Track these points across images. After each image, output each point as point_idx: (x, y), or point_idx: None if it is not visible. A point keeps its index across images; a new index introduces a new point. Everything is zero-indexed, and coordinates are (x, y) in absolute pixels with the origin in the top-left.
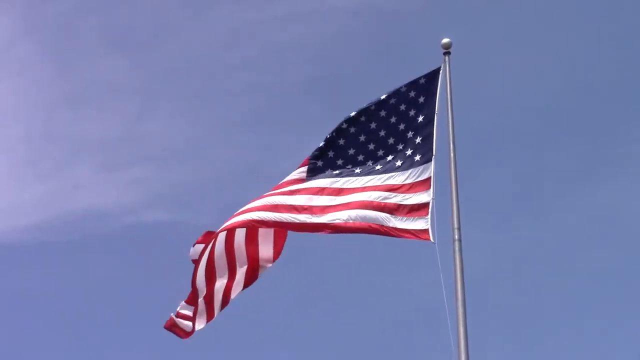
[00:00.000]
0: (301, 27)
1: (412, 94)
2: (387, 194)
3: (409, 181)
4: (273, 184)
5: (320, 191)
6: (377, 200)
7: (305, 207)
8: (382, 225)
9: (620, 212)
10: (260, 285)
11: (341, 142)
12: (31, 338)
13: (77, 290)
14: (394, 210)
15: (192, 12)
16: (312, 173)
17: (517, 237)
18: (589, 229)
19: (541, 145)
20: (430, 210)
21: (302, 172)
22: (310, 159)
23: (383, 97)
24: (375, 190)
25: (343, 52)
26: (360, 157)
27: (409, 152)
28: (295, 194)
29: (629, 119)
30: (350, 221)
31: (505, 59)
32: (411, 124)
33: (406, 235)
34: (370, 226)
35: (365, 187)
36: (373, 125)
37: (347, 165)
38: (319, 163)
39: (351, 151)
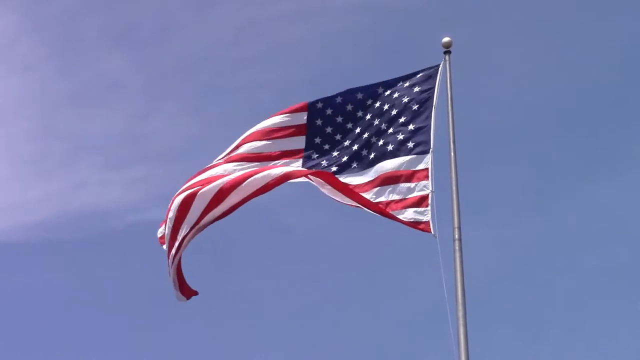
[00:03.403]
0: (306, 25)
1: (407, 84)
2: (385, 187)
3: (403, 169)
4: None
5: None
6: (377, 199)
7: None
8: (386, 209)
9: (621, 211)
10: (260, 283)
11: (338, 136)
12: (33, 336)
13: (80, 288)
14: (394, 203)
15: (196, 9)
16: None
17: (519, 235)
18: (590, 228)
19: (543, 143)
20: (430, 202)
21: (297, 164)
22: (304, 150)
23: (379, 90)
24: (373, 187)
25: (347, 49)
26: (355, 147)
27: (400, 137)
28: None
29: (631, 118)
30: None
31: (507, 57)
32: (404, 110)
33: (407, 223)
34: (373, 203)
35: (364, 186)
36: (368, 116)
37: (343, 157)
38: (315, 155)
39: (346, 142)
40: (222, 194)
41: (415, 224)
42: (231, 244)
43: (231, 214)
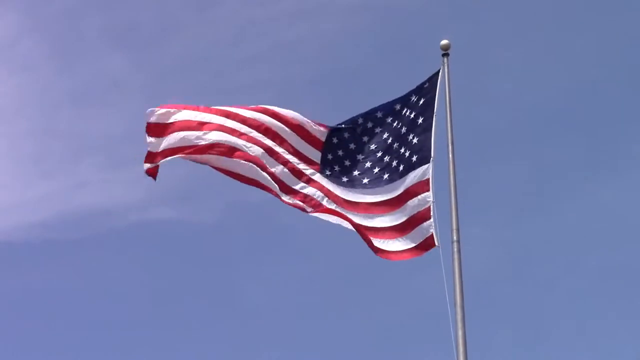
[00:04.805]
0: (306, 25)
1: (414, 97)
2: (391, 215)
3: (408, 185)
4: None
5: (329, 193)
6: (384, 226)
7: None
8: (392, 252)
9: (622, 211)
10: (258, 283)
11: (351, 146)
12: (34, 337)
13: (81, 288)
14: (399, 230)
15: (197, 9)
16: (323, 171)
17: (519, 235)
18: (591, 228)
19: (544, 143)
20: (432, 214)
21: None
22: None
23: (397, 107)
24: (382, 212)
25: (347, 49)
26: (368, 164)
27: (407, 153)
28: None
29: (631, 118)
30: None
31: (508, 57)
32: (410, 126)
33: (413, 254)
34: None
35: (373, 208)
36: (378, 129)
37: (356, 170)
38: (328, 170)
39: (359, 157)
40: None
41: (420, 249)
42: (230, 243)
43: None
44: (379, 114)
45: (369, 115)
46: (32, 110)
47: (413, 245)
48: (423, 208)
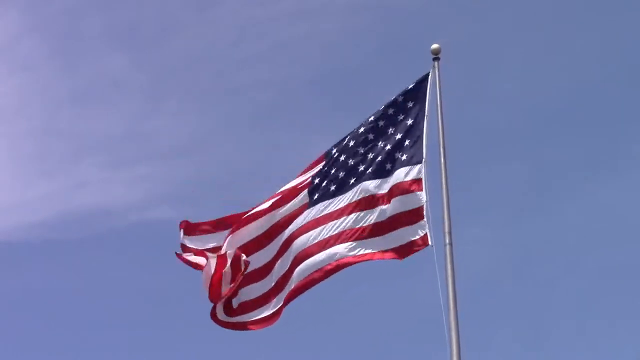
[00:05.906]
0: (306, 25)
1: (403, 101)
2: (377, 209)
3: (397, 182)
4: (278, 182)
5: (316, 223)
6: (366, 224)
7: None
8: (374, 252)
9: (622, 211)
10: None
11: (344, 158)
12: (34, 337)
13: (81, 288)
14: (386, 226)
15: (197, 9)
16: (312, 196)
17: (519, 235)
18: (591, 227)
19: (544, 143)
20: (425, 213)
21: (304, 196)
22: (312, 178)
23: (386, 111)
24: (363, 209)
25: (347, 49)
26: (352, 162)
27: (397, 154)
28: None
29: (631, 118)
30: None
31: (509, 57)
32: (400, 127)
33: (404, 252)
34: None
35: (353, 203)
36: (364, 136)
37: (342, 174)
38: (317, 180)
39: (350, 161)
40: None
41: (410, 248)
42: None
43: None
44: (368, 126)
45: (357, 131)
46: (32, 110)
47: (393, 247)
48: (414, 208)
